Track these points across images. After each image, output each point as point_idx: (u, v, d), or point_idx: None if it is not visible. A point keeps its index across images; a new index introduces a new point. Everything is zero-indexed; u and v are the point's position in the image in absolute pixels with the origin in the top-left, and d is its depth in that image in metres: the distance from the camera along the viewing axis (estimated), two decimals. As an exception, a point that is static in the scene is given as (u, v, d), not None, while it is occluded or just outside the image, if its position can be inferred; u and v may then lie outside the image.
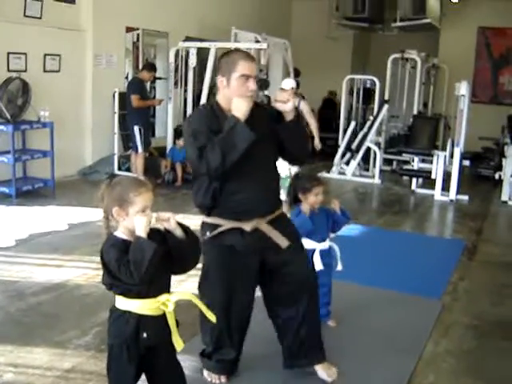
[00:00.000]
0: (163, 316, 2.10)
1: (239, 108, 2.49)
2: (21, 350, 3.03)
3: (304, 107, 6.46)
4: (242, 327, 2.79)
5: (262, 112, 2.63)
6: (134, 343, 2.05)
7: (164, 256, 2.03)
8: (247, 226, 2.59)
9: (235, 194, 2.57)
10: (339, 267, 3.40)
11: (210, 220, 2.64)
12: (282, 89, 5.49)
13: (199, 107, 3.02)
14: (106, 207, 2.05)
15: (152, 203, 2.06)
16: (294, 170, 4.73)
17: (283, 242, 2.67)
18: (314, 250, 3.25)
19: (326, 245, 3.33)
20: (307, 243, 3.21)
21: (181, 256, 2.12)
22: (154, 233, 2.05)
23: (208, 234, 2.63)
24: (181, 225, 2.12)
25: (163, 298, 2.07)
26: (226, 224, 2.59)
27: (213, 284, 2.69)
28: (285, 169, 4.69)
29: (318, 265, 3.23)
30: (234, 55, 2.60)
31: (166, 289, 2.13)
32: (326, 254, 3.33)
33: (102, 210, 2.07)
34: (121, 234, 2.05)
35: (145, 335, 2.05)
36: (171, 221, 2.08)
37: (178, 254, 2.11)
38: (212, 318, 2.22)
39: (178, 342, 2.15)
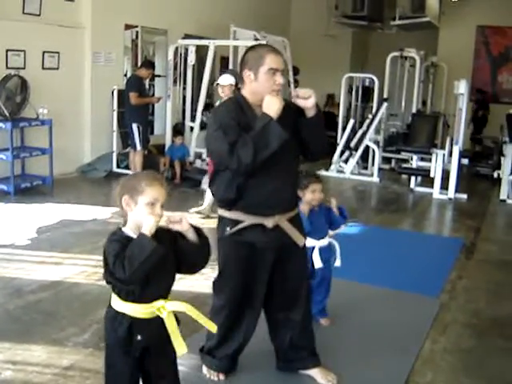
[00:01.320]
0: (159, 317, 2.01)
1: (271, 106, 2.46)
2: (19, 348, 3.03)
3: None
4: (254, 319, 2.77)
5: (286, 108, 2.56)
6: (129, 345, 2.00)
7: (168, 258, 1.97)
8: (269, 222, 2.57)
9: (259, 188, 2.54)
10: (337, 263, 3.40)
11: (231, 215, 2.60)
12: (218, 84, 5.49)
13: (225, 101, 3.00)
14: (118, 196, 2.00)
15: (164, 201, 1.98)
16: None
17: (300, 240, 2.67)
18: (313, 248, 3.25)
19: (325, 241, 3.33)
20: (307, 241, 3.21)
21: (190, 259, 2.05)
22: (163, 232, 1.99)
23: (228, 229, 2.59)
24: (193, 226, 2.04)
25: (158, 304, 1.99)
26: (248, 219, 2.56)
27: (229, 279, 2.67)
28: None
29: (318, 262, 3.23)
30: (261, 49, 2.57)
31: (165, 293, 2.04)
32: (325, 250, 3.33)
33: (116, 200, 2.02)
34: (128, 230, 2.00)
35: (139, 337, 1.99)
36: (183, 222, 2.01)
37: (187, 258, 2.04)
38: (213, 328, 2.16)
39: (179, 346, 2.04)
